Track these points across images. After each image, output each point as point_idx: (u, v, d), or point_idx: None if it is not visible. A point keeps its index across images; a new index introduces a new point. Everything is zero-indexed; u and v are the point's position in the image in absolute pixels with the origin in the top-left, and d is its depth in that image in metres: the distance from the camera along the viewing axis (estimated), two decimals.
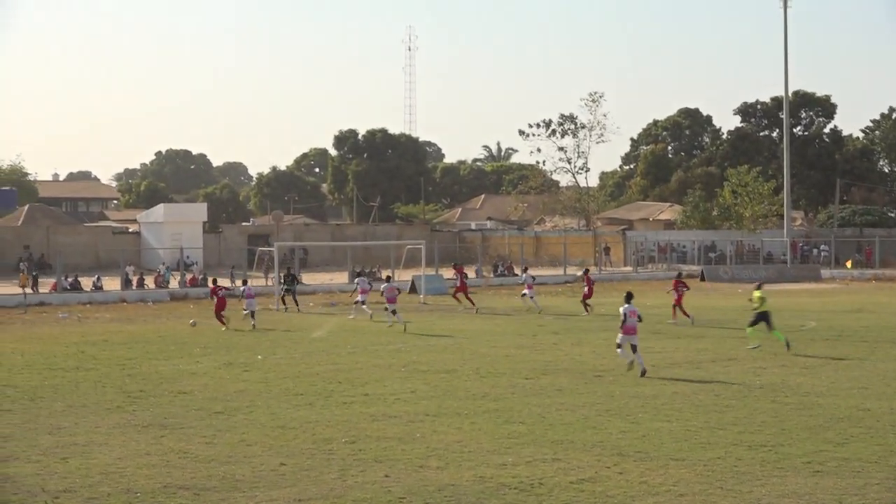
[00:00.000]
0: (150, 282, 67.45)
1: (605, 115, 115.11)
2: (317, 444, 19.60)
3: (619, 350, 29.23)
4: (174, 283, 66.93)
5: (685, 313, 44.89)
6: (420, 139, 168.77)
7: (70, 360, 32.51)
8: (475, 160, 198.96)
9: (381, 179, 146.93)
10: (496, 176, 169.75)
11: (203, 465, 17.99)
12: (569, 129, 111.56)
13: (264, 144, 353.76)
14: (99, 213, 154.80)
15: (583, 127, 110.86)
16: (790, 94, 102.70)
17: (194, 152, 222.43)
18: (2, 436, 20.67)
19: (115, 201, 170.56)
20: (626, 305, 29.61)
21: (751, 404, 23.42)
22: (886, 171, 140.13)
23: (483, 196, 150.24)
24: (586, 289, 51.53)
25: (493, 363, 30.98)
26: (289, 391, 25.89)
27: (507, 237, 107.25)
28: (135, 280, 66.50)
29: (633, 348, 28.63)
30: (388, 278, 49.89)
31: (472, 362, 31.18)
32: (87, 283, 64.10)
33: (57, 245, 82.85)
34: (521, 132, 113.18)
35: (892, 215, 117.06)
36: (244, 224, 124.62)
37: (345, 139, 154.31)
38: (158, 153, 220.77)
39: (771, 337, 34.42)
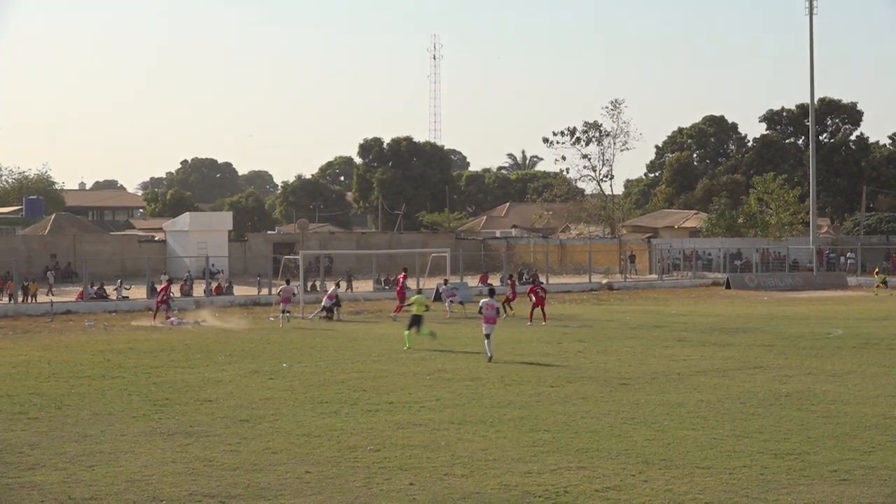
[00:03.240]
0: (175, 290, 67.59)
1: (626, 123, 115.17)
2: (342, 452, 19.62)
3: (486, 342, 33.79)
4: (199, 291, 67.06)
5: (543, 315, 48.57)
6: (445, 147, 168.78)
7: (96, 369, 32.60)
8: (500, 168, 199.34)
9: (406, 188, 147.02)
10: (521, 184, 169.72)
11: (228, 473, 18.03)
12: (593, 136, 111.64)
13: (289, 153, 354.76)
14: (125, 221, 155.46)
15: (607, 135, 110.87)
16: (816, 101, 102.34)
17: (220, 161, 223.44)
18: (29, 443, 20.75)
19: (141, 210, 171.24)
20: (486, 299, 34.77)
21: (777, 412, 23.34)
22: None
23: (508, 204, 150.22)
24: (510, 293, 54.40)
25: (518, 371, 30.95)
26: (314, 399, 25.92)
27: (532, 245, 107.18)
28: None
29: (488, 336, 33.73)
30: (288, 281, 53.08)
31: (497, 370, 31.15)
32: (113, 291, 64.30)
33: (83, 253, 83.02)
34: (546, 140, 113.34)
35: None
36: (269, 232, 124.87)
37: (370, 147, 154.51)
38: (184, 162, 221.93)
39: (419, 337, 38.42)
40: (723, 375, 29.64)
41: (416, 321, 39.18)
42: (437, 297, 61.81)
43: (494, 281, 78.19)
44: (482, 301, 35.23)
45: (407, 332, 38.67)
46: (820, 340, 39.27)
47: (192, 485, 17.29)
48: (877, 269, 78.90)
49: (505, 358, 34.30)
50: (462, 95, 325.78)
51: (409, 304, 42.24)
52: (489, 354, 33.51)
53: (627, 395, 26.09)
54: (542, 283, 57.59)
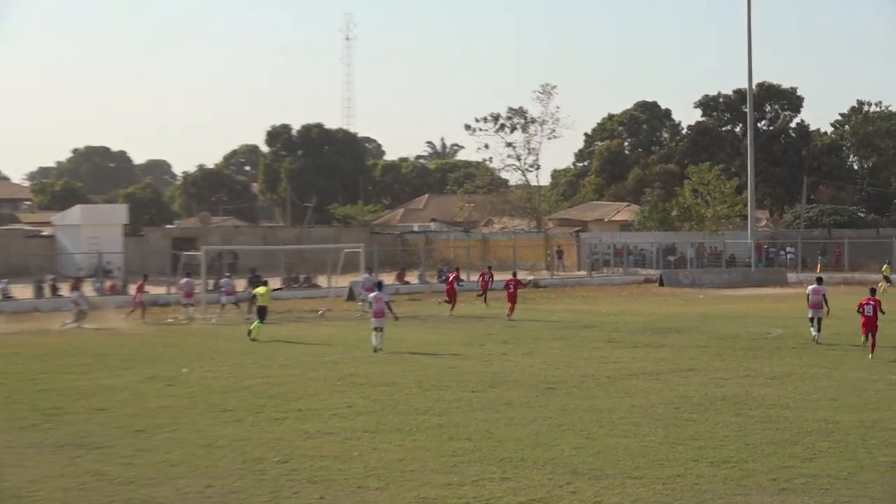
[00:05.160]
0: (64, 290, 66.79)
1: (557, 109, 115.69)
2: (246, 464, 19.50)
3: (373, 334, 37.01)
4: (91, 291, 66.27)
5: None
6: (359, 135, 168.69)
7: None
8: (418, 157, 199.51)
9: (317, 178, 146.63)
10: (440, 174, 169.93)
11: (121, 488, 17.83)
12: (518, 123, 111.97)
13: (190, 141, 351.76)
14: (9, 215, 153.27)
15: (533, 121, 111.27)
16: (754, 87, 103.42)
17: (114, 149, 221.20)
18: None
19: (28, 202, 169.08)
20: (375, 293, 37.90)
21: (712, 418, 23.51)
22: (856, 167, 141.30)
23: (426, 196, 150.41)
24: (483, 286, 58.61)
25: (437, 375, 30.95)
26: (216, 407, 25.75)
27: (452, 240, 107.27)
28: (47, 288, 65.79)
29: (378, 329, 36.87)
30: (189, 274, 56.20)
31: (415, 374, 31.14)
32: None
33: None
34: (467, 127, 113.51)
35: (863, 215, 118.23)
36: (168, 227, 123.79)
37: (277, 135, 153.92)
38: (75, 150, 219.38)
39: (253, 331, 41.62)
40: (655, 379, 29.84)
41: (262, 313, 42.77)
42: (351, 297, 61.72)
43: (411, 277, 78.30)
44: (370, 295, 38.79)
45: (258, 324, 42.34)
46: (758, 341, 39.69)
47: (82, 500, 17.10)
48: (819, 266, 79.85)
49: (423, 361, 34.30)
50: (377, 79, 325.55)
51: (252, 296, 47.12)
52: (374, 345, 36.96)
53: (554, 400, 26.17)
54: (522, 279, 58.14)
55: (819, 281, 40.94)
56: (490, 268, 63.85)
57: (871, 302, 35.55)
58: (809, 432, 21.83)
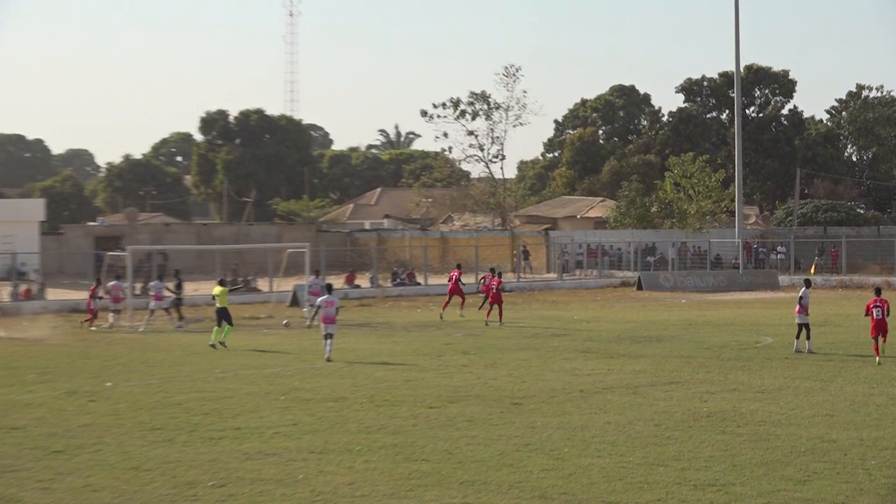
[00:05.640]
0: None
1: (524, 93, 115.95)
2: (178, 489, 19.44)
3: (324, 342, 37.94)
4: (3, 296, 65.95)
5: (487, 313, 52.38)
6: (304, 122, 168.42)
7: None
8: (370, 147, 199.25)
9: (257, 170, 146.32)
10: (395, 166, 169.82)
11: None
12: (481, 109, 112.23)
13: (115, 128, 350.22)
14: None
15: (497, 107, 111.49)
16: (742, 69, 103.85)
17: (29, 138, 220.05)
18: None
19: None
20: (325, 296, 38.56)
21: (696, 436, 23.60)
22: (854, 159, 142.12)
23: (379, 190, 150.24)
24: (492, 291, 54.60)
25: (391, 389, 30.94)
26: (144, 425, 25.66)
27: (407, 238, 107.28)
28: None
29: (328, 336, 37.74)
30: (119, 277, 56.12)
31: (366, 388, 31.12)
32: None
33: None
34: (424, 113, 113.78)
35: (861, 211, 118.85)
36: (91, 224, 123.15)
37: (213, 122, 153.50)
38: None
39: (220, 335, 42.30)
40: (633, 393, 29.91)
41: (222, 315, 42.89)
42: (295, 302, 61.60)
43: (363, 280, 78.21)
44: (320, 299, 39.30)
45: (220, 328, 42.55)
46: (747, 351, 39.85)
47: None
48: (813, 268, 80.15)
49: (376, 373, 34.29)
50: (324, 60, 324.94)
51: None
52: (327, 355, 37.46)
53: (521, 416, 26.21)
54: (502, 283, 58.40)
55: (808, 284, 41.18)
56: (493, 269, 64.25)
57: (879, 303, 36.19)
58: (803, 452, 21.93)
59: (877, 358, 35.86)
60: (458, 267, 59.39)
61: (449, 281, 58.87)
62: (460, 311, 56.53)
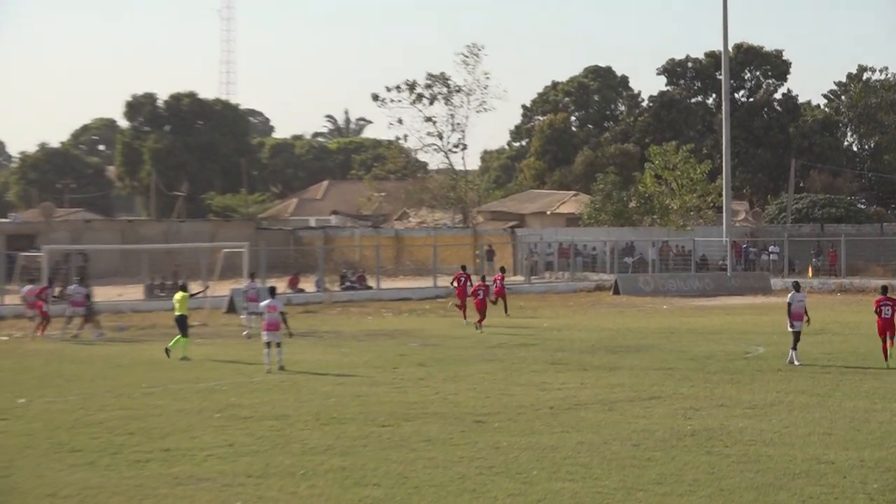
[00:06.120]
0: None
1: (487, 75, 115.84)
2: None
3: (265, 351, 38.25)
4: None
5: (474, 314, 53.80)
6: (241, 107, 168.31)
7: None
8: (316, 135, 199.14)
9: (189, 160, 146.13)
10: (343, 156, 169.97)
11: None
12: (440, 93, 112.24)
13: (29, 113, 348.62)
14: None
15: (458, 90, 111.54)
16: (730, 49, 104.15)
17: None
18: None
19: None
20: (268, 301, 38.95)
21: (679, 457, 23.65)
22: (855, 149, 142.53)
23: (326, 183, 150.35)
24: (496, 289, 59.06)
25: (340, 406, 30.92)
26: (62, 446, 25.55)
27: (358, 237, 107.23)
28: None
29: (275, 345, 38.18)
30: (33, 281, 56.65)
31: (311, 405, 31.09)
32: None
33: None
34: (377, 97, 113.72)
35: (863, 207, 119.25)
36: (2, 221, 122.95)
37: (139, 106, 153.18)
38: None
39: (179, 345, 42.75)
40: (609, 409, 29.97)
41: (179, 324, 43.22)
42: (232, 308, 61.51)
43: (307, 284, 78.09)
44: (262, 304, 39.90)
45: (181, 339, 42.82)
46: (736, 362, 39.97)
47: None
48: (811, 270, 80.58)
49: (323, 388, 34.27)
50: (265, 37, 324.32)
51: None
52: (267, 365, 38.14)
53: (484, 436, 26.22)
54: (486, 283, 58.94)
55: (797, 287, 41.24)
56: (503, 269, 65.54)
57: (888, 302, 36.75)
58: (798, 475, 22.00)
59: (886, 361, 36.51)
60: (464, 269, 59.49)
61: (457, 283, 58.60)
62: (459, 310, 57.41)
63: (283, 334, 38.63)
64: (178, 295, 44.42)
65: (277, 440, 26.04)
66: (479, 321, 52.67)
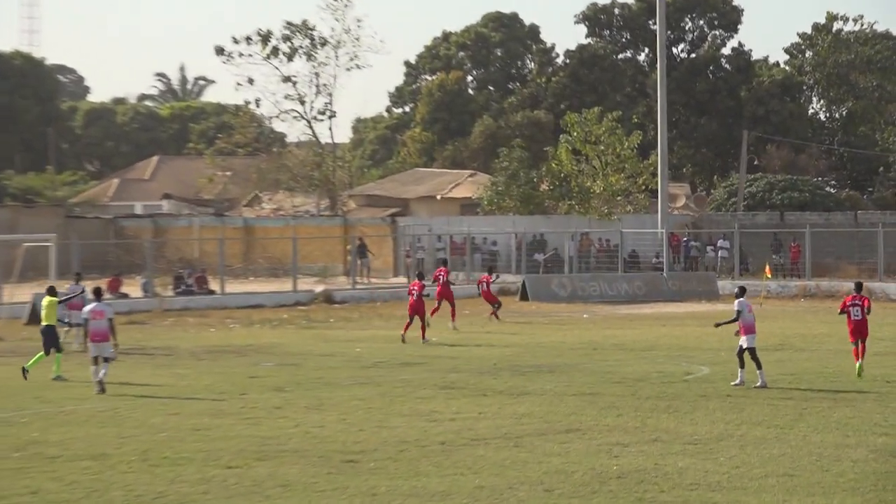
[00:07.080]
0: None
1: (359, 23, 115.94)
2: None
3: (92, 369, 38.90)
4: None
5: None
6: (48, 62, 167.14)
7: None
8: (143, 98, 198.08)
9: None
10: (179, 125, 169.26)
11: None
12: (300, 46, 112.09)
13: None
14: None
15: (324, 43, 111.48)
16: None
17: None
18: None
19: None
20: (93, 305, 39.52)
21: (600, 502, 23.77)
22: (823, 118, 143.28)
23: (156, 159, 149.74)
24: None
25: (174, 442, 30.82)
26: None
27: (196, 227, 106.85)
28: None
29: (102, 360, 38.69)
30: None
31: (138, 440, 30.96)
32: None
33: None
34: (221, 51, 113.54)
35: (833, 191, 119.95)
36: None
37: None
38: None
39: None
40: (515, 445, 30.05)
41: (49, 336, 43.36)
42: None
43: (132, 288, 77.67)
44: (86, 309, 40.34)
45: (42, 355, 42.95)
46: (674, 385, 40.23)
47: None
48: (768, 271, 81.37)
49: (153, 419, 34.13)
50: None
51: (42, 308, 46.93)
52: (97, 382, 38.64)
53: (357, 479, 26.22)
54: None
55: (742, 292, 41.39)
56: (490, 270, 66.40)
57: (859, 301, 37.13)
58: None
59: (857, 363, 36.95)
60: (445, 263, 59.90)
61: (434, 282, 59.15)
62: (451, 322, 59.32)
63: (112, 345, 38.52)
64: (48, 300, 44.12)
65: (94, 486, 25.88)
66: (422, 328, 54.19)
